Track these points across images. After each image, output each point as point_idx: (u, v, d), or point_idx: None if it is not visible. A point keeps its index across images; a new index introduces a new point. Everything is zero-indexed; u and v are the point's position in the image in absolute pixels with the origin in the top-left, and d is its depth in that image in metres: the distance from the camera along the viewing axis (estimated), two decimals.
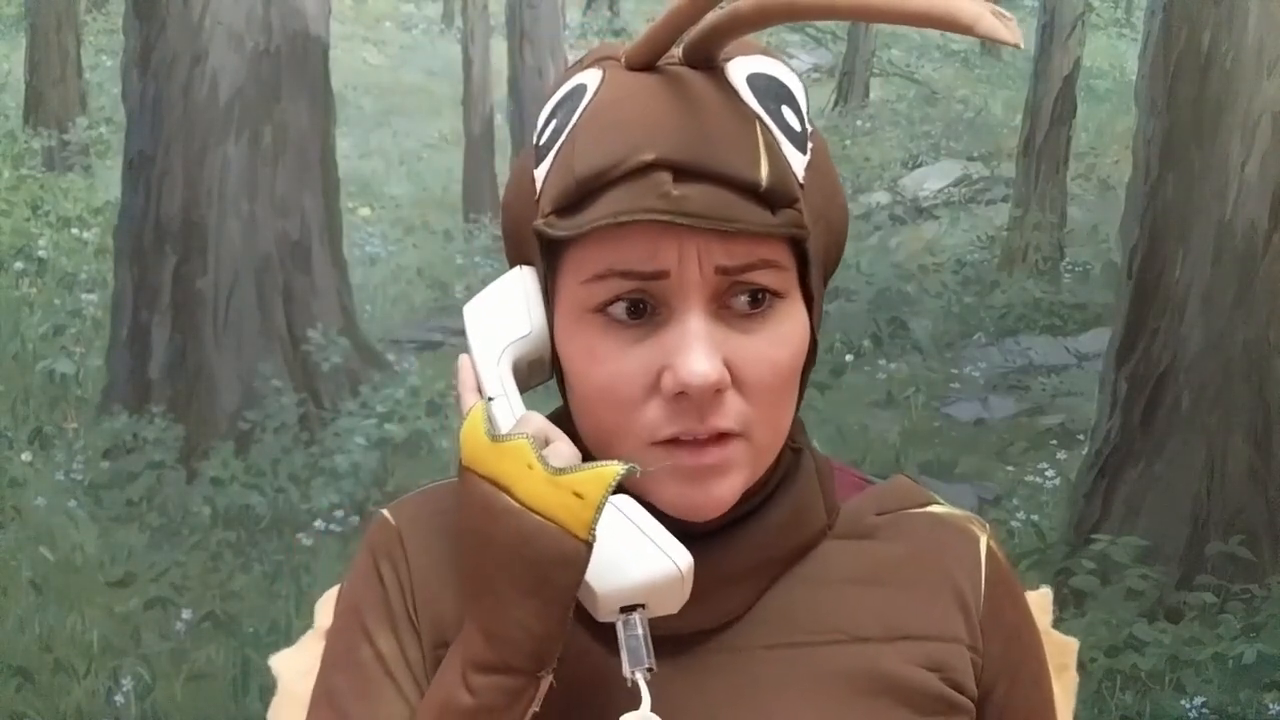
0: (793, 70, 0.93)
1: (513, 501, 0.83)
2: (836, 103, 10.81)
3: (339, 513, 5.02)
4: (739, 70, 0.89)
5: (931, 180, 9.41)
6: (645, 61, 0.89)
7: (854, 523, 0.98)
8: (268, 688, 1.04)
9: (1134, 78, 5.44)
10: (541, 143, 0.91)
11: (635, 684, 0.85)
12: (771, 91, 0.89)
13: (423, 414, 5.61)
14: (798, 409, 0.94)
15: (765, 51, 0.92)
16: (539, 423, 0.88)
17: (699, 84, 0.88)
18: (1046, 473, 5.44)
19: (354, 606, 0.97)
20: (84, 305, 6.63)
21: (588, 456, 0.88)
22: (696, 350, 0.85)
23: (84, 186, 8.27)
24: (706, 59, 0.89)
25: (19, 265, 7.10)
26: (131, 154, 5.78)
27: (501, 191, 0.99)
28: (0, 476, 5.19)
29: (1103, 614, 4.30)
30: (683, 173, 0.84)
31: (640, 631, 0.85)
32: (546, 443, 0.87)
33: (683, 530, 0.88)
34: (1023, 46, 0.76)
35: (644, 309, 0.87)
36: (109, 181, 7.28)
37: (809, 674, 0.92)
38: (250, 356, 5.56)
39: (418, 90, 10.55)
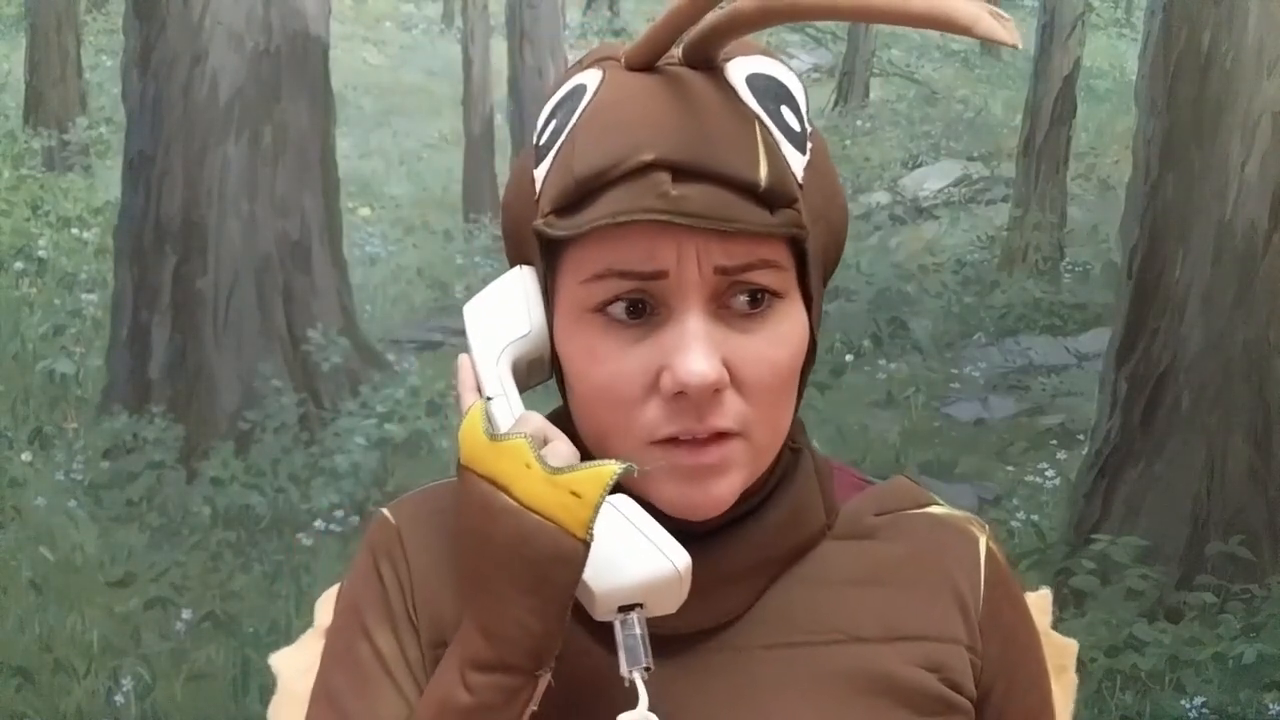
0: (792, 70, 0.93)
1: (511, 500, 0.84)
2: (836, 103, 10.81)
3: (339, 513, 5.02)
4: (738, 70, 0.89)
5: (931, 180, 9.41)
6: (645, 62, 0.89)
7: (853, 523, 0.98)
8: (268, 688, 1.05)
9: (1134, 78, 5.44)
10: (541, 143, 0.91)
11: (633, 683, 0.85)
12: (771, 92, 0.90)
13: (423, 414, 5.62)
14: (797, 409, 0.94)
15: (765, 52, 0.92)
16: (538, 422, 0.89)
17: (698, 84, 0.88)
18: (1046, 473, 5.44)
19: (353, 605, 0.97)
20: (84, 305, 6.63)
21: (587, 456, 0.88)
22: (695, 350, 0.85)
23: (84, 186, 8.28)
24: (706, 59, 0.89)
25: (19, 265, 7.10)
26: (131, 154, 5.78)
27: (501, 191, 0.99)
28: (0, 476, 5.19)
29: (1103, 614, 4.30)
30: (681, 173, 0.85)
31: (638, 631, 0.85)
32: (545, 442, 0.87)
33: (682, 530, 0.88)
34: (1020, 46, 0.76)
35: (643, 309, 0.87)
36: (109, 181, 7.28)
37: (808, 674, 0.92)
38: (250, 356, 5.56)
39: (418, 90, 10.55)
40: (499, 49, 8.59)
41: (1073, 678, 1.09)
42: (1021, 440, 5.86)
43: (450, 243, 8.21)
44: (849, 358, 6.61)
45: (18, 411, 5.70)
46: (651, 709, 0.85)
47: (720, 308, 0.87)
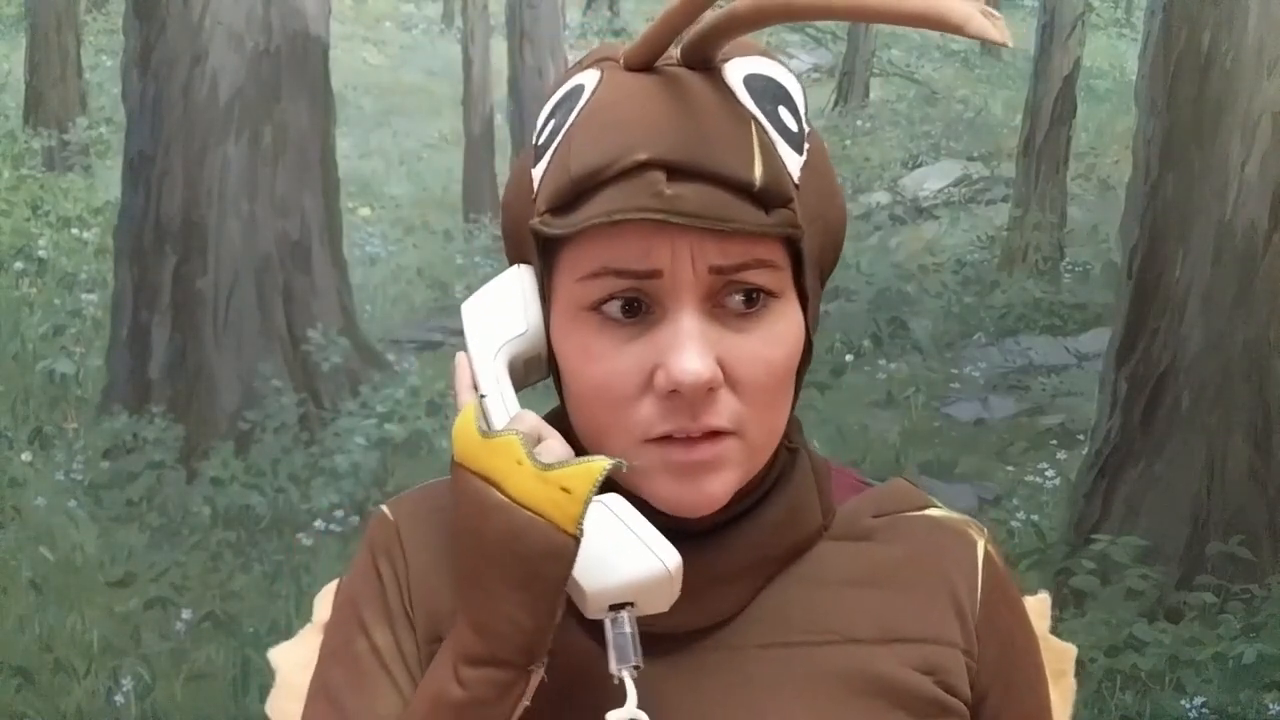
0: (791, 71, 0.93)
1: (503, 497, 0.84)
2: (836, 103, 10.81)
3: (339, 513, 5.02)
4: (736, 71, 0.90)
5: (931, 180, 9.42)
6: (643, 62, 0.89)
7: (851, 524, 0.98)
8: (268, 687, 1.05)
9: (1134, 78, 5.44)
10: (540, 142, 0.92)
11: (622, 682, 0.85)
12: (769, 92, 0.90)
13: (423, 414, 5.62)
14: (793, 409, 0.94)
15: (764, 52, 0.92)
16: (532, 420, 0.89)
17: (696, 85, 0.88)
18: (1046, 473, 5.44)
19: (351, 600, 0.98)
20: (84, 305, 6.63)
21: (583, 454, 0.88)
22: (689, 349, 0.85)
23: (84, 186, 8.28)
24: (704, 60, 0.89)
25: (19, 265, 7.10)
26: (131, 154, 5.79)
27: (501, 191, 0.99)
28: (0, 476, 5.19)
29: (1103, 614, 4.30)
30: (676, 172, 0.85)
31: (628, 630, 0.85)
32: (539, 440, 0.87)
33: (678, 529, 0.88)
34: (1011, 45, 0.77)
35: (638, 307, 0.87)
36: (109, 181, 7.28)
37: (803, 674, 0.93)
38: (250, 356, 5.56)
39: (418, 90, 10.56)
40: (499, 49, 8.60)
41: (1071, 683, 1.09)
42: (1021, 440, 5.86)
43: (450, 243, 8.21)
44: (849, 358, 6.61)
45: (18, 411, 5.71)
46: (644, 707, 0.85)
47: (715, 307, 0.87)
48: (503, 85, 8.45)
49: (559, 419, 0.93)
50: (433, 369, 5.99)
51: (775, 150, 0.88)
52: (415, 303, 7.32)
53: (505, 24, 8.45)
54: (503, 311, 0.93)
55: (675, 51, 0.90)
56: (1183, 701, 3.92)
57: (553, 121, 0.91)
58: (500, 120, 8.57)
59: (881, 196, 9.05)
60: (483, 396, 0.91)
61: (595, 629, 0.87)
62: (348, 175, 6.60)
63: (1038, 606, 1.07)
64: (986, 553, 1.00)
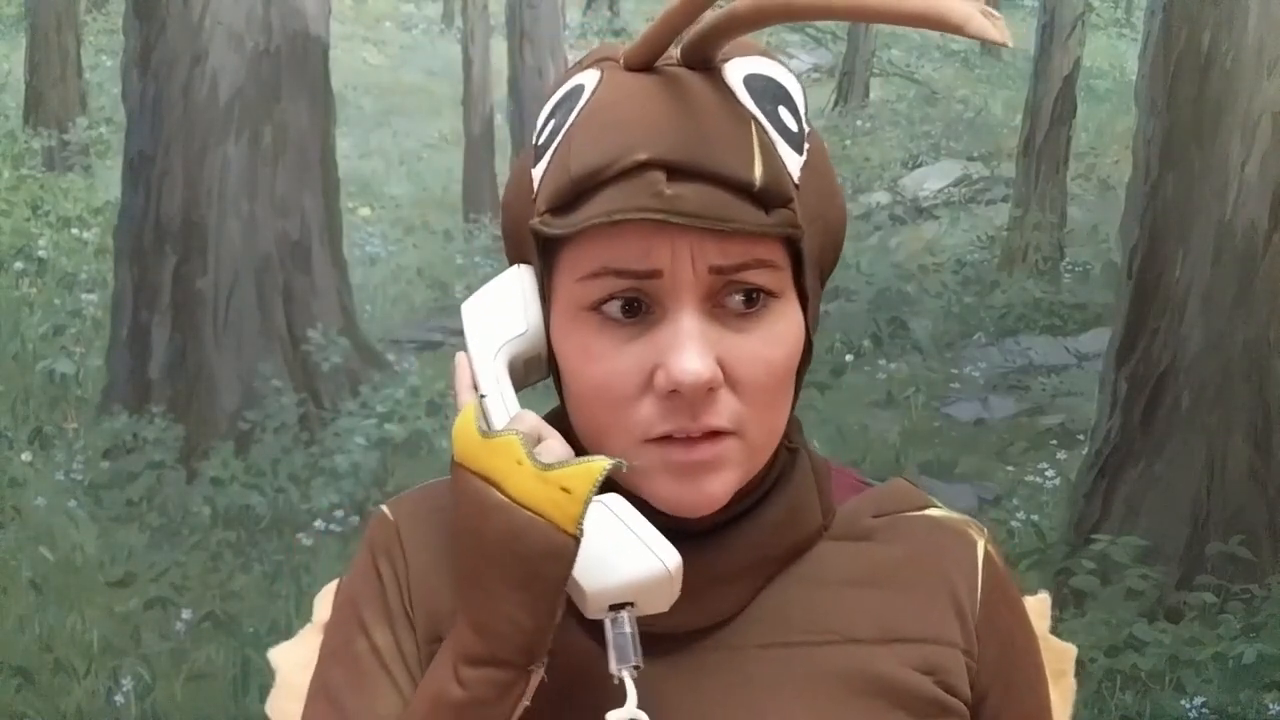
0: (791, 71, 0.93)
1: (503, 497, 0.84)
2: (836, 103, 10.81)
3: (339, 513, 5.02)
4: (736, 71, 0.90)
5: (931, 180, 9.42)
6: (643, 62, 0.89)
7: (851, 524, 0.98)
8: (268, 687, 1.05)
9: (1134, 78, 5.44)
10: (540, 142, 0.92)
11: (622, 681, 0.85)
12: (769, 92, 0.90)
13: (423, 414, 5.62)
14: (793, 408, 0.94)
15: (764, 53, 0.92)
16: (532, 420, 0.89)
17: (695, 85, 0.88)
18: (1046, 473, 5.44)
19: (351, 600, 0.98)
20: (84, 305, 6.63)
21: (583, 454, 0.88)
22: (689, 349, 0.85)
23: (84, 186, 8.28)
24: (704, 60, 0.89)
25: (19, 265, 7.10)
26: (131, 154, 5.79)
27: (501, 191, 0.99)
28: (0, 476, 5.19)
29: (1103, 614, 4.30)
30: (676, 172, 0.85)
31: (628, 630, 0.85)
32: (539, 440, 0.87)
33: (678, 529, 0.88)
34: (1011, 45, 0.77)
35: (638, 307, 0.88)
36: (109, 181, 7.28)
37: (803, 674, 0.93)
38: (250, 356, 5.56)
39: (418, 90, 10.56)
40: (499, 49, 8.60)
41: (1071, 683, 1.09)
42: (1021, 440, 5.86)
43: (450, 243, 8.22)
44: (849, 358, 6.61)
45: (18, 411, 5.71)
46: (644, 707, 0.85)
47: (715, 307, 0.87)
48: (503, 85, 8.46)
49: (559, 419, 0.93)
50: (433, 369, 5.99)
51: (775, 150, 0.88)
52: (415, 303, 7.32)
53: (505, 24, 8.46)
54: (503, 311, 0.93)
55: (675, 51, 0.90)
56: (1183, 701, 3.92)
57: (553, 121, 0.91)
58: (500, 120, 8.57)
59: (881, 196, 9.06)
60: (483, 396, 0.91)
61: (595, 629, 0.87)
62: (348, 175, 6.60)
63: (1038, 607, 1.07)
64: (986, 553, 1.00)
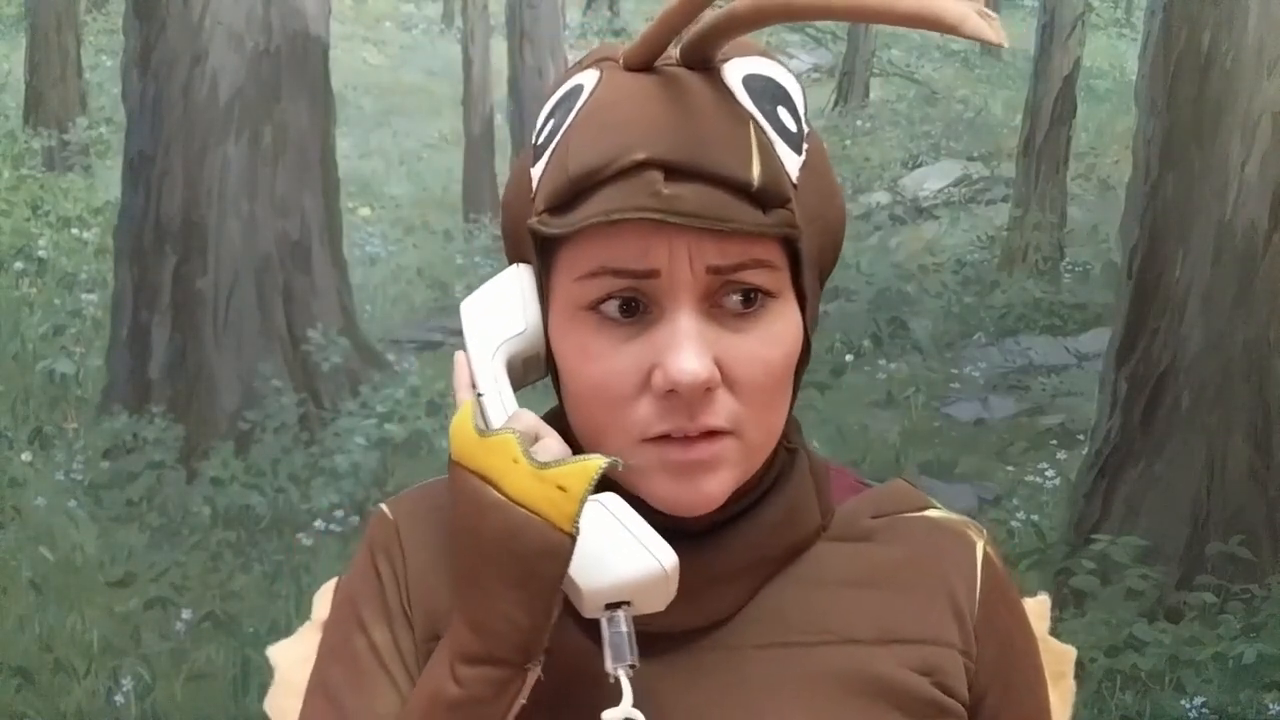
0: (790, 71, 0.93)
1: (499, 495, 0.85)
2: (836, 103, 10.81)
3: (339, 513, 5.02)
4: (735, 71, 0.90)
5: (931, 180, 9.42)
6: (642, 62, 0.90)
7: (849, 525, 0.98)
8: (268, 687, 1.05)
9: (1134, 78, 5.44)
10: (539, 142, 0.92)
11: (618, 680, 0.85)
12: (768, 93, 0.90)
13: (423, 414, 5.62)
14: (791, 409, 0.94)
15: (763, 53, 0.92)
16: (529, 419, 0.89)
17: (694, 85, 0.88)
18: (1046, 473, 5.44)
19: (350, 598, 0.99)
20: (84, 305, 6.63)
21: (580, 453, 0.88)
22: (686, 349, 0.86)
23: (84, 186, 8.28)
24: (703, 60, 0.89)
25: (19, 265, 7.10)
26: (131, 154, 5.79)
27: (501, 191, 0.99)
28: (0, 476, 5.19)
29: (1103, 614, 4.30)
30: (674, 172, 0.85)
31: (624, 629, 0.86)
32: (536, 438, 0.88)
33: (676, 528, 0.88)
34: (1007, 45, 0.77)
35: (636, 307, 0.88)
36: (109, 181, 7.28)
37: (800, 674, 0.93)
38: (250, 356, 5.56)
39: (418, 90, 10.56)
40: (499, 49, 8.60)
41: (1071, 685, 1.09)
42: (1021, 440, 5.86)
43: (450, 243, 8.21)
44: (849, 358, 6.61)
45: (18, 411, 5.71)
46: (640, 707, 0.86)
47: (713, 307, 0.87)
48: (503, 85, 8.45)
49: (558, 418, 0.93)
50: (433, 369, 5.99)
51: (774, 150, 0.88)
52: (415, 303, 7.32)
53: (505, 24, 8.45)
54: (501, 311, 0.93)
55: (675, 52, 0.90)
56: (1183, 701, 3.92)
57: (552, 121, 0.91)
58: (500, 120, 8.57)
59: (881, 196, 9.05)
60: (480, 395, 0.91)
61: (592, 628, 0.87)
62: (348, 175, 6.60)
63: (1037, 608, 1.07)
64: (985, 554, 1.00)
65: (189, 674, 4.09)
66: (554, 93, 0.93)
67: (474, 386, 0.92)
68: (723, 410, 0.87)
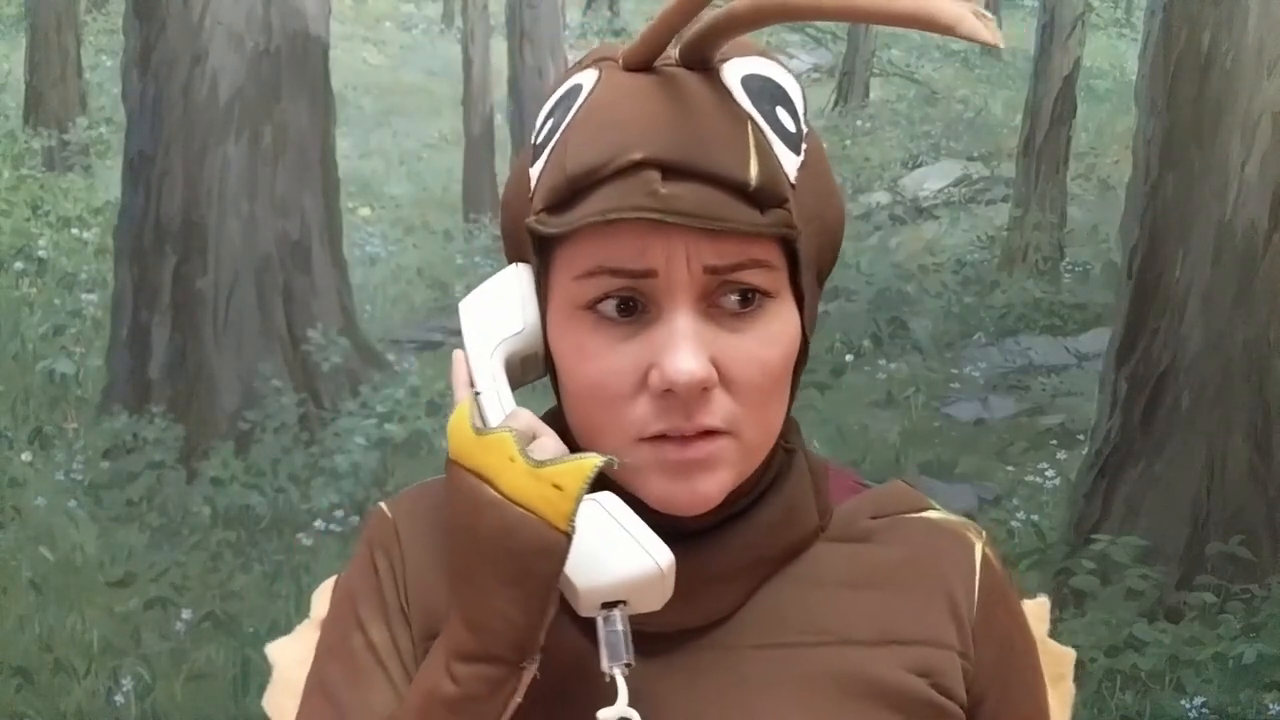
0: (790, 72, 0.93)
1: (495, 494, 0.85)
2: (836, 103, 10.81)
3: (339, 513, 5.02)
4: (734, 71, 0.90)
5: (931, 180, 9.42)
6: (641, 62, 0.90)
7: (848, 525, 0.98)
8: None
9: (1134, 78, 5.44)
10: (538, 142, 0.92)
11: (613, 679, 0.85)
12: (766, 93, 0.90)
13: (423, 414, 5.62)
14: (790, 409, 0.94)
15: (763, 53, 0.93)
16: (526, 418, 0.89)
17: (693, 85, 0.88)
18: (1046, 473, 5.44)
19: (349, 596, 0.99)
20: (84, 305, 6.63)
21: (578, 452, 0.88)
22: (683, 349, 0.86)
23: (84, 186, 8.28)
24: (702, 60, 0.89)
25: (19, 265, 7.10)
26: (131, 154, 5.79)
27: (502, 191, 1.00)
28: (0, 476, 5.19)
29: (1103, 614, 4.30)
30: (672, 172, 0.85)
31: (620, 628, 0.86)
32: (533, 437, 0.88)
33: (674, 528, 0.88)
34: (1003, 46, 0.77)
35: (634, 307, 0.88)
36: (109, 181, 7.28)
37: (797, 675, 0.93)
38: (250, 356, 5.56)
39: (418, 90, 10.56)
40: (499, 49, 8.60)
41: (1070, 687, 1.09)
42: (1021, 440, 5.86)
43: (450, 243, 8.21)
44: (849, 358, 6.61)
45: (18, 411, 5.71)
46: (637, 706, 0.86)
47: (710, 307, 0.87)
48: (503, 85, 8.45)
49: (557, 418, 0.93)
50: (433, 369, 5.99)
51: (771, 150, 0.88)
52: (415, 303, 7.32)
53: (505, 24, 8.45)
54: (500, 310, 0.93)
55: (674, 52, 0.90)
56: (1183, 701, 3.92)
57: (551, 121, 0.91)
58: (500, 120, 8.57)
59: (881, 196, 9.05)
60: (477, 394, 0.91)
61: (589, 627, 0.87)
62: (348, 175, 6.60)
63: (1036, 610, 1.07)
64: (984, 555, 1.00)
65: (189, 674, 4.09)
66: (553, 92, 0.93)
67: (472, 385, 0.92)
68: (719, 410, 0.87)
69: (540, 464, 0.84)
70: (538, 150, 0.91)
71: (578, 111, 0.89)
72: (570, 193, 0.87)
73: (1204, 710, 3.90)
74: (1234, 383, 4.57)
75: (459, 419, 0.88)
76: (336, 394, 5.71)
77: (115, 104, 6.95)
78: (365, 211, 8.32)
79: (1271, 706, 3.92)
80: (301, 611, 1.07)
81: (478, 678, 0.86)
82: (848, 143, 9.94)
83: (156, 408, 5.45)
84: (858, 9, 0.81)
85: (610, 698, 0.86)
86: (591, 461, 0.84)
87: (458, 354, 0.94)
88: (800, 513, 0.95)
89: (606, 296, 0.87)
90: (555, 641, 0.88)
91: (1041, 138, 7.92)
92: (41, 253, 7.24)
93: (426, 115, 9.92)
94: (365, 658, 0.95)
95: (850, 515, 0.98)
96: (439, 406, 5.60)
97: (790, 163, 0.89)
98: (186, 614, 4.35)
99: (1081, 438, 5.39)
